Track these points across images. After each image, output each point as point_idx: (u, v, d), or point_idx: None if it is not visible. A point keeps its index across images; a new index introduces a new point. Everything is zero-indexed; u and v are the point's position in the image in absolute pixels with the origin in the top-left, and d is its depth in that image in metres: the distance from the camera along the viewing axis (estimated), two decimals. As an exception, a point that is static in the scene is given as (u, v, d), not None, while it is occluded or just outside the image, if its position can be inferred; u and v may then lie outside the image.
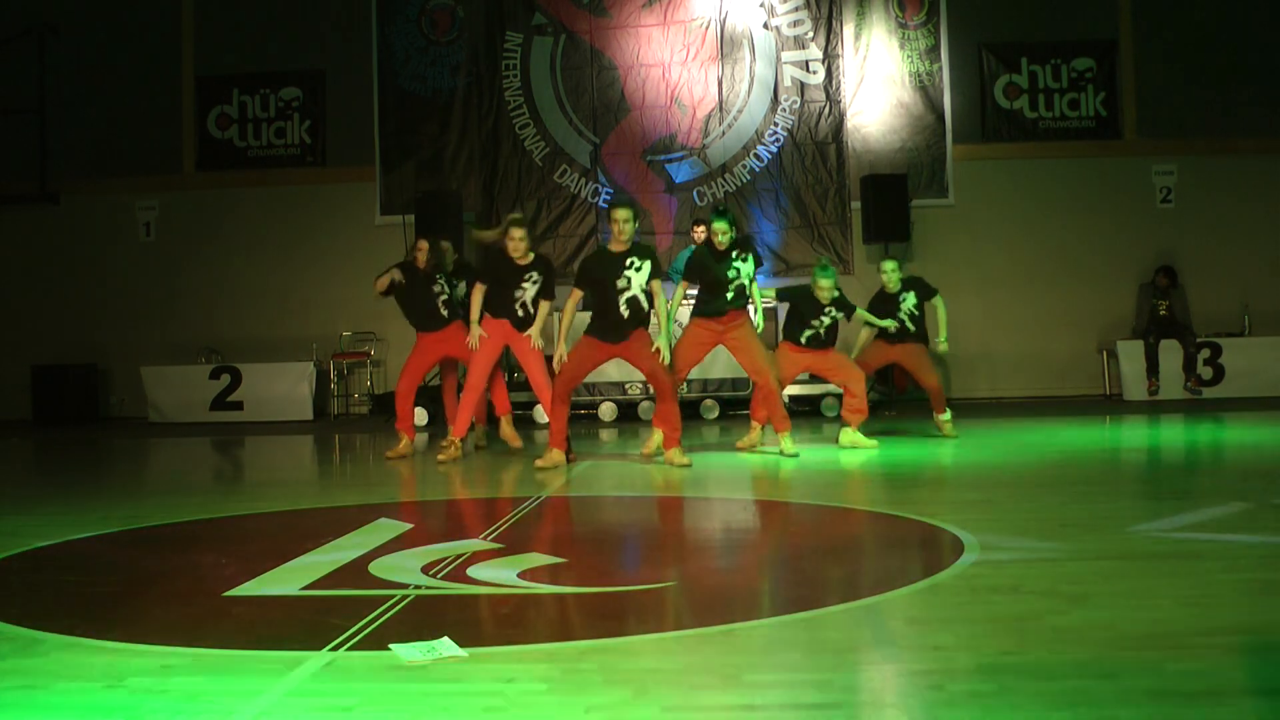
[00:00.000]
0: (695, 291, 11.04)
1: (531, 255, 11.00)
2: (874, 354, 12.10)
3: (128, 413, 18.76)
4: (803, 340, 11.41)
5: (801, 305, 11.45)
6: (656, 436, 10.79)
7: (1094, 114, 18.34)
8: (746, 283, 10.82)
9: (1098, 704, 3.45)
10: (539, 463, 10.20)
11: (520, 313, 10.92)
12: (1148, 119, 18.19)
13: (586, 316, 10.48)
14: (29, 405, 18.41)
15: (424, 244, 12.01)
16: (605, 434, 13.84)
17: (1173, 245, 17.74)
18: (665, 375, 10.18)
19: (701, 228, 15.56)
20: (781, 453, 10.72)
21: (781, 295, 11.89)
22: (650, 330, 10.36)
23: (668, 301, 10.42)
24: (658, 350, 10.06)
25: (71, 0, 19.19)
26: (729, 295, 10.71)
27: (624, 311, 10.09)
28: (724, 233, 10.60)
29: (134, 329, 18.89)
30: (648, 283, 10.14)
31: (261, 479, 11.07)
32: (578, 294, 10.30)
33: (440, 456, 10.88)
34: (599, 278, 10.14)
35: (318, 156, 19.03)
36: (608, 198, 18.12)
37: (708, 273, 10.70)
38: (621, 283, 10.06)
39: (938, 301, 12.11)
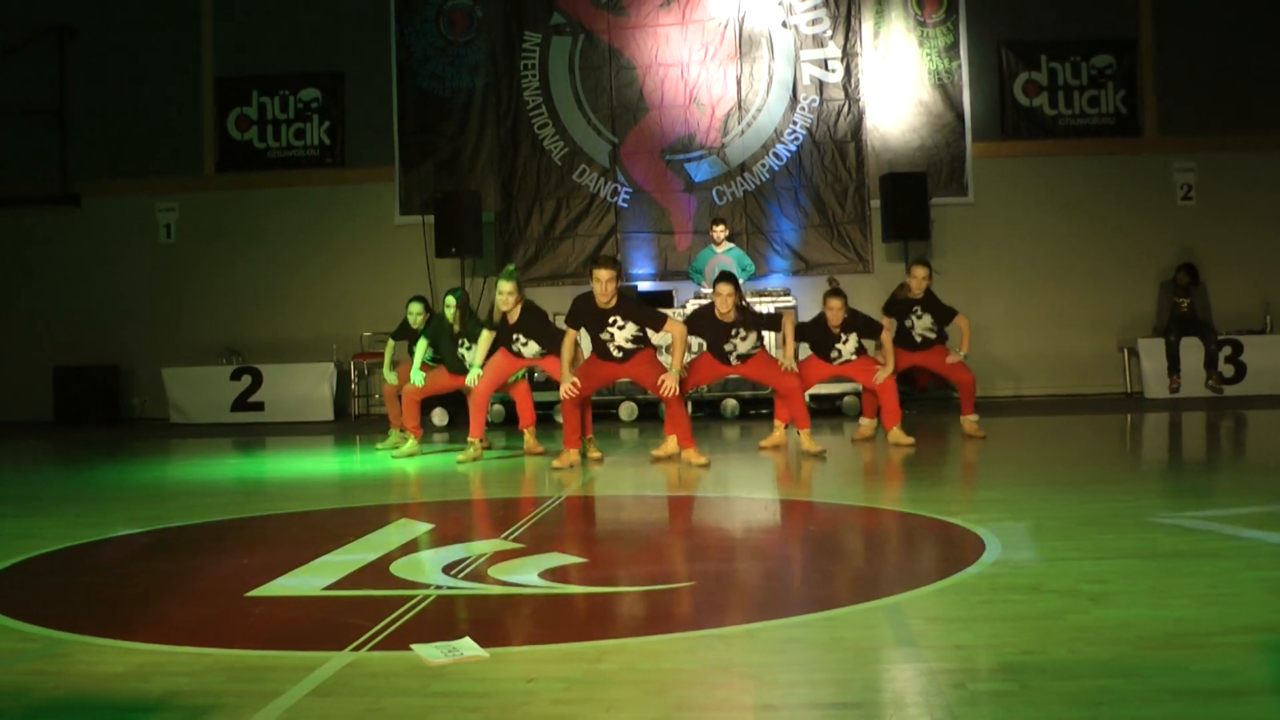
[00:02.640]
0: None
1: (518, 310, 10.90)
2: (898, 359, 11.81)
3: (149, 414, 18.81)
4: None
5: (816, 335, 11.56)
6: (670, 442, 10.72)
7: (1114, 111, 18.29)
8: (748, 352, 10.98)
9: (1119, 703, 3.45)
10: (555, 464, 10.22)
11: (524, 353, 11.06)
12: (1168, 116, 18.14)
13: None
14: (50, 407, 18.47)
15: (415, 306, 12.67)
16: (625, 434, 13.83)
17: (1193, 242, 17.71)
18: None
19: (720, 226, 15.61)
20: (803, 451, 10.75)
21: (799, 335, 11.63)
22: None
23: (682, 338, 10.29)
24: (664, 381, 9.96)
25: (91, 1, 19.28)
26: (730, 361, 11.03)
27: (617, 355, 10.31)
28: (729, 295, 10.61)
29: (155, 330, 18.96)
30: (641, 331, 10.24)
31: (282, 480, 11.09)
32: (573, 333, 10.31)
33: (460, 458, 10.97)
34: (587, 325, 10.34)
35: (337, 157, 19.08)
36: (627, 197, 18.16)
37: (706, 337, 11.02)
38: (605, 335, 10.25)
39: (961, 322, 12.01)
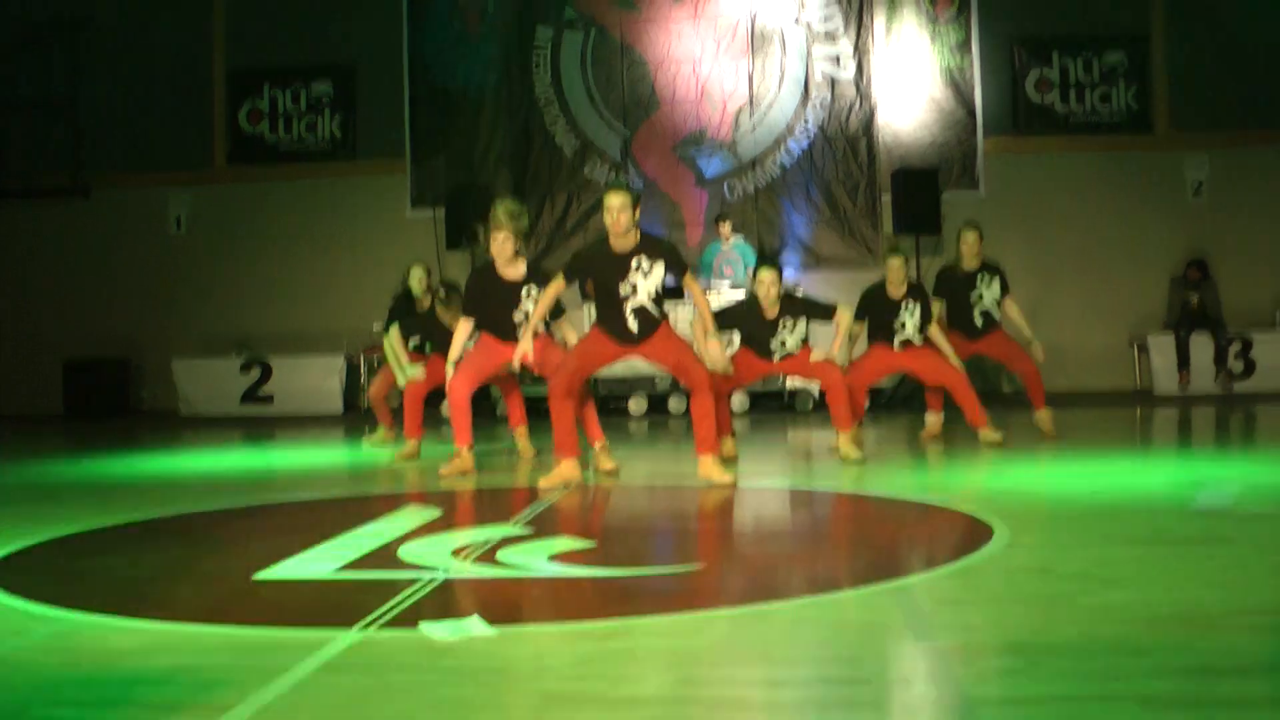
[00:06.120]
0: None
1: (523, 264, 9.17)
2: (958, 350, 10.75)
3: (158, 406, 18.84)
4: (895, 345, 10.52)
5: (876, 307, 10.53)
6: (728, 442, 9.73)
7: (1125, 107, 18.27)
8: (795, 349, 9.69)
9: (1128, 679, 3.44)
10: (543, 482, 8.38)
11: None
12: (1179, 112, 18.10)
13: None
14: (60, 399, 18.49)
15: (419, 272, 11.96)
16: (634, 427, 13.81)
17: (1204, 238, 17.66)
18: (697, 365, 8.43)
19: (726, 224, 15.59)
20: (842, 456, 9.55)
21: (860, 314, 10.55)
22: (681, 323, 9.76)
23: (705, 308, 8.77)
24: (682, 349, 8.51)
25: (103, -5, 19.33)
26: (774, 358, 9.74)
27: (632, 325, 8.33)
28: (772, 283, 9.44)
29: (165, 322, 18.97)
30: (663, 286, 8.38)
31: (291, 469, 11.10)
32: (560, 284, 8.43)
33: (444, 470, 9.39)
34: (598, 279, 8.41)
35: (348, 150, 19.09)
36: (640, 198, 18.13)
37: (749, 332, 9.78)
38: (625, 289, 8.25)
39: (1010, 309, 11.21)
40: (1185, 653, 3.71)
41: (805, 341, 9.80)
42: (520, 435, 10.71)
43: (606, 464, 9.05)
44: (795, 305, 9.73)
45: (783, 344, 9.67)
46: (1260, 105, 17.82)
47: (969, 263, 11.11)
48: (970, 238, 11.09)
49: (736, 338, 9.94)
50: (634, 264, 8.22)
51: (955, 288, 11.14)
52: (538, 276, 9.15)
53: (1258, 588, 4.60)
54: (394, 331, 11.43)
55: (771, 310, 9.55)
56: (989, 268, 11.13)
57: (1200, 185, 18.02)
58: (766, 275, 9.44)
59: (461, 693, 3.55)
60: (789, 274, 17.16)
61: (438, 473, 9.34)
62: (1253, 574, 4.83)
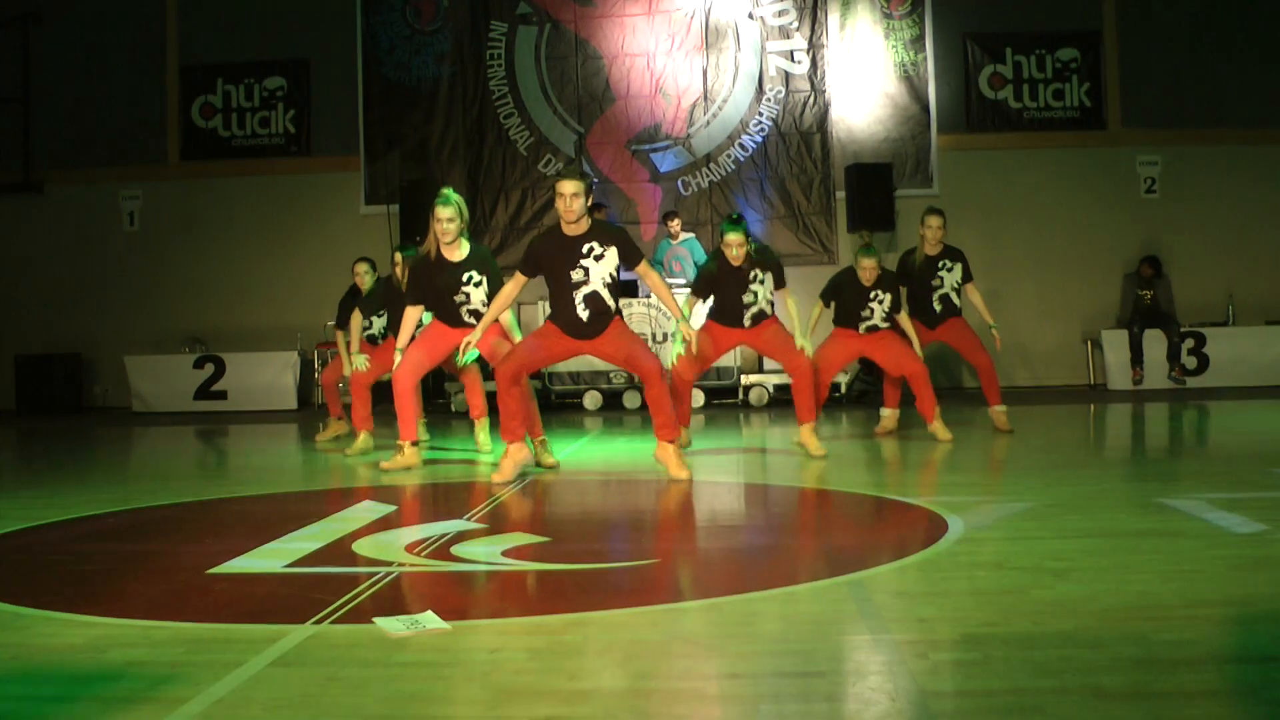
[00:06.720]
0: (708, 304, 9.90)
1: (467, 247, 9.15)
2: (918, 336, 10.75)
3: (111, 402, 18.72)
4: (861, 330, 10.53)
5: (846, 294, 10.52)
6: (683, 433, 9.60)
7: (1078, 104, 18.35)
8: (766, 306, 9.53)
9: (1082, 671, 3.46)
10: (495, 476, 8.39)
11: (473, 320, 9.09)
12: (1132, 109, 18.20)
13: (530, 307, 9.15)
14: (12, 396, 18.35)
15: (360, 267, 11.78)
16: (590, 422, 13.80)
17: (1157, 235, 17.76)
18: (649, 356, 8.35)
19: (676, 221, 15.60)
20: (799, 442, 9.56)
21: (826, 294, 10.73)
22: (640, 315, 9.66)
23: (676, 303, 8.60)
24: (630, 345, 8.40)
25: (55, -11, 19.18)
26: (745, 322, 9.55)
27: (582, 313, 8.24)
28: (740, 245, 9.26)
29: (118, 318, 18.84)
30: (618, 271, 8.30)
31: (245, 465, 11.04)
32: (521, 280, 8.35)
33: (384, 464, 9.41)
34: (549, 267, 8.29)
35: (302, 146, 19.00)
36: (593, 187, 18.12)
37: (720, 293, 9.58)
38: (577, 274, 8.18)
39: (973, 293, 11.29)
40: (1139, 644, 3.72)
41: (773, 303, 9.59)
42: (480, 428, 10.61)
43: (548, 459, 9.05)
44: (764, 260, 9.51)
45: (755, 299, 9.44)
46: (1212, 102, 17.93)
47: (931, 248, 11.17)
48: (933, 223, 11.12)
49: (702, 314, 9.93)
50: (585, 249, 8.17)
51: (916, 273, 11.17)
52: (479, 261, 9.18)
53: (1210, 581, 4.62)
54: (355, 318, 11.41)
55: (738, 261, 9.34)
56: (951, 253, 11.19)
57: (1153, 182, 18.12)
58: (734, 237, 9.27)
59: (416, 687, 3.54)
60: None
61: (379, 466, 9.41)
62: (1206, 567, 4.86)
